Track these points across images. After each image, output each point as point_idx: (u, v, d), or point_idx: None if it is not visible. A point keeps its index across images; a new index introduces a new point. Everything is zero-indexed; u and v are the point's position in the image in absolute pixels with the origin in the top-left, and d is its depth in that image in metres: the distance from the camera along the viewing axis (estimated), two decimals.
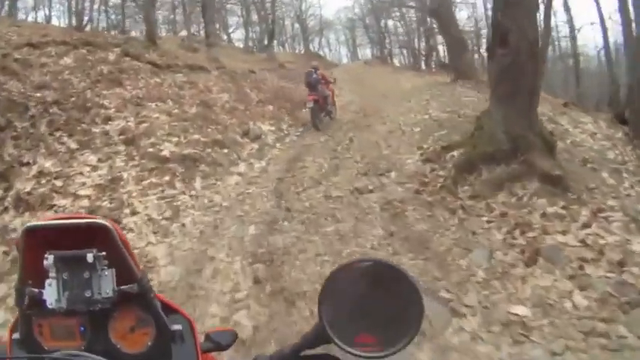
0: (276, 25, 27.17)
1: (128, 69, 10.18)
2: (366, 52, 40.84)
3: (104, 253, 0.83)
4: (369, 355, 0.68)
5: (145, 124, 7.98)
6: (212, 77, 12.16)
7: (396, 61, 33.60)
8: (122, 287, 0.85)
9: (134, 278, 0.86)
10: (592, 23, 26.34)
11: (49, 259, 0.81)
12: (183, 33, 24.92)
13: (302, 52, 37.93)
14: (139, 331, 0.91)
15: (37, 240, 0.82)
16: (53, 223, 0.84)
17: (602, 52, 21.03)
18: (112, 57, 10.53)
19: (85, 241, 0.83)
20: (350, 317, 0.69)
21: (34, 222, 0.84)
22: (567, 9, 22.17)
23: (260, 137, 9.08)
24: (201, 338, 1.02)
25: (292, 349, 0.75)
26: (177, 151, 7.17)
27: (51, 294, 0.82)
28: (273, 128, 9.84)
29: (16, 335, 0.92)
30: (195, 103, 9.58)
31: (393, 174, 6.34)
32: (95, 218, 0.84)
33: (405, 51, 38.00)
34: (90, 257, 0.81)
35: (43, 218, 0.90)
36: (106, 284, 0.83)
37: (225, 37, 33.53)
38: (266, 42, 26.40)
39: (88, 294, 0.83)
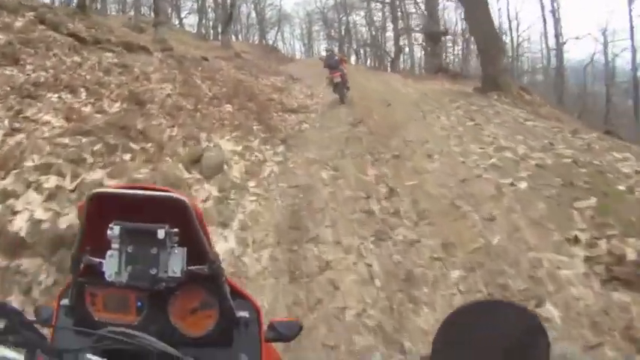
0: (234, 11, 23.44)
1: (37, 41, 6.87)
2: (320, 48, 37.56)
3: (176, 230, 0.79)
4: None
5: (17, 137, 4.36)
6: (154, 61, 8.59)
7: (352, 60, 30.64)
8: (191, 268, 0.81)
9: (206, 259, 0.82)
10: (577, 38, 25.80)
11: (114, 230, 0.78)
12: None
13: (256, 43, 34.58)
14: (201, 313, 0.88)
15: (103, 207, 0.79)
16: (125, 192, 0.80)
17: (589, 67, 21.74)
18: (19, 24, 7.31)
19: (157, 215, 0.78)
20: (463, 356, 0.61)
21: (101, 189, 0.82)
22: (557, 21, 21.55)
23: (221, 168, 5.14)
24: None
25: None
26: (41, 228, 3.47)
27: (111, 266, 0.79)
28: (239, 148, 5.94)
29: (64, 301, 0.90)
30: (121, 96, 5.88)
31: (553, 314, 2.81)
32: (172, 192, 0.81)
33: (362, 50, 35.83)
34: (161, 233, 0.77)
35: (113, 186, 0.84)
36: (175, 263, 0.80)
37: (177, 22, 30.48)
38: (220, 29, 23.32)
39: (153, 271, 0.79)
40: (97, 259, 0.81)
